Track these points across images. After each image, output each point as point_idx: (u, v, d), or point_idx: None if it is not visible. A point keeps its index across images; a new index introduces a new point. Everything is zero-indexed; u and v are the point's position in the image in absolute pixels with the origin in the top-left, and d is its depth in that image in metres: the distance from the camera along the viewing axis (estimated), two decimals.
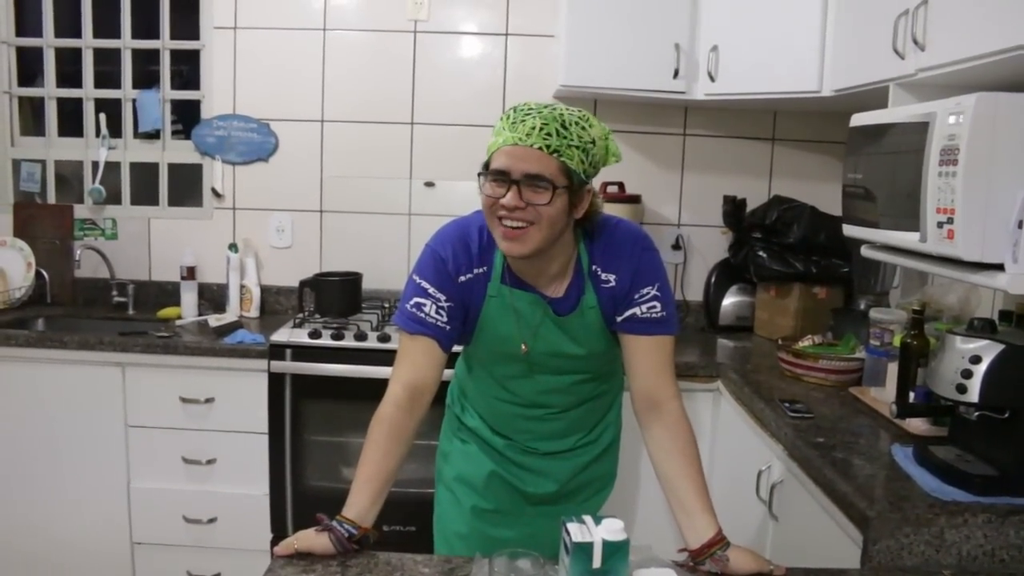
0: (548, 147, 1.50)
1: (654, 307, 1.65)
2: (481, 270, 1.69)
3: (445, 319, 1.66)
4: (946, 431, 1.87)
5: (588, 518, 1.18)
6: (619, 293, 1.66)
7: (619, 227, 1.70)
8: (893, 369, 2.17)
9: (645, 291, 1.65)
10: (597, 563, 1.12)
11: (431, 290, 1.67)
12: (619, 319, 1.67)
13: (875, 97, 2.25)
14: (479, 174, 1.58)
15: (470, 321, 1.72)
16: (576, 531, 1.15)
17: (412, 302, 1.68)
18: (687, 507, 1.51)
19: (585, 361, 1.76)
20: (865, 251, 2.15)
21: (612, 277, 1.66)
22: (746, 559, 1.41)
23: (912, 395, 2.03)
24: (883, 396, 2.21)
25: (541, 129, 1.50)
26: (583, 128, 1.54)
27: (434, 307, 1.66)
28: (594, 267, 1.67)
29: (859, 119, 2.12)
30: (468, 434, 1.94)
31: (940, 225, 1.67)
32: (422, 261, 1.71)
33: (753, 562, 1.41)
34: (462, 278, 1.68)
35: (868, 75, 2.29)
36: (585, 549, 1.12)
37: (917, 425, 2.00)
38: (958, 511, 1.53)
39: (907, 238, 1.82)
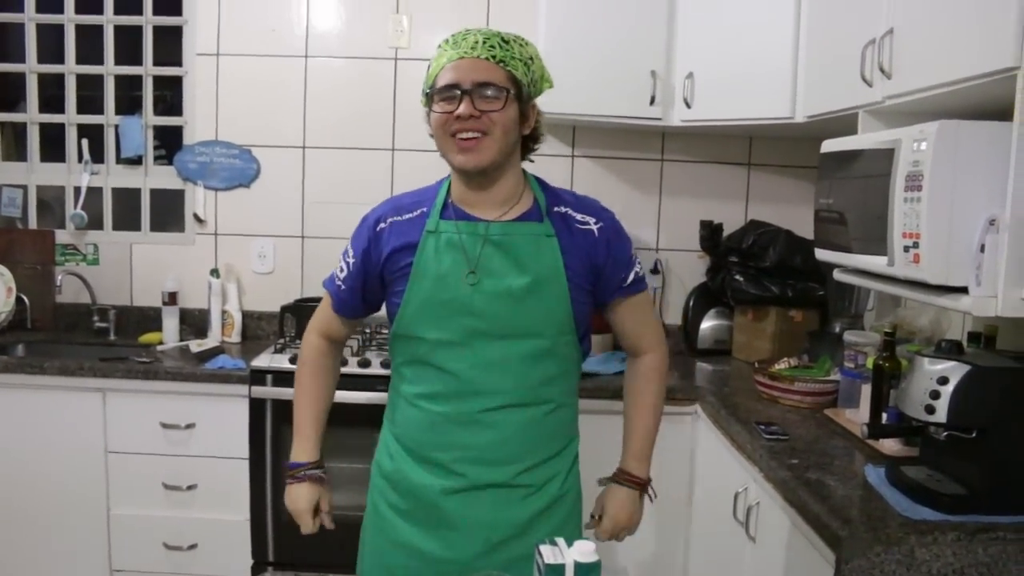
0: (494, 57, 1.56)
1: (637, 270, 1.76)
2: (415, 213, 1.69)
3: (341, 280, 1.76)
4: (918, 451, 1.90)
5: (560, 541, 1.20)
6: (599, 248, 1.68)
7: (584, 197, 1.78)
8: (867, 391, 2.19)
9: (625, 256, 1.74)
10: None
11: (348, 247, 1.76)
12: (607, 289, 1.73)
13: (846, 123, 2.29)
14: (426, 96, 1.63)
15: (405, 270, 1.65)
16: (548, 553, 1.17)
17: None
18: (625, 442, 1.85)
19: (535, 311, 1.63)
20: (837, 275, 2.18)
21: (591, 220, 1.69)
22: (614, 503, 1.81)
23: (885, 416, 2.05)
24: (857, 417, 2.24)
25: (485, 42, 1.56)
26: (522, 45, 1.61)
27: (342, 265, 1.76)
28: (562, 208, 1.69)
29: (829, 145, 2.16)
30: (381, 489, 1.82)
31: (907, 249, 1.71)
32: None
33: (614, 507, 1.80)
34: (382, 225, 1.69)
35: (838, 102, 2.34)
36: (557, 571, 1.14)
37: (890, 445, 2.02)
38: (928, 530, 1.55)
39: (876, 262, 1.86)
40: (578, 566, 1.14)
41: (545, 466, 1.72)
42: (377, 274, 1.71)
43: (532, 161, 1.73)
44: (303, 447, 1.82)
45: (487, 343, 1.63)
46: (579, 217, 1.69)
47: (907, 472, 1.77)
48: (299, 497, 1.81)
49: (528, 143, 1.70)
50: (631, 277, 1.74)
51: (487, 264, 1.62)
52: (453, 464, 1.67)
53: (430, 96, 1.61)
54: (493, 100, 1.55)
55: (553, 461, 1.74)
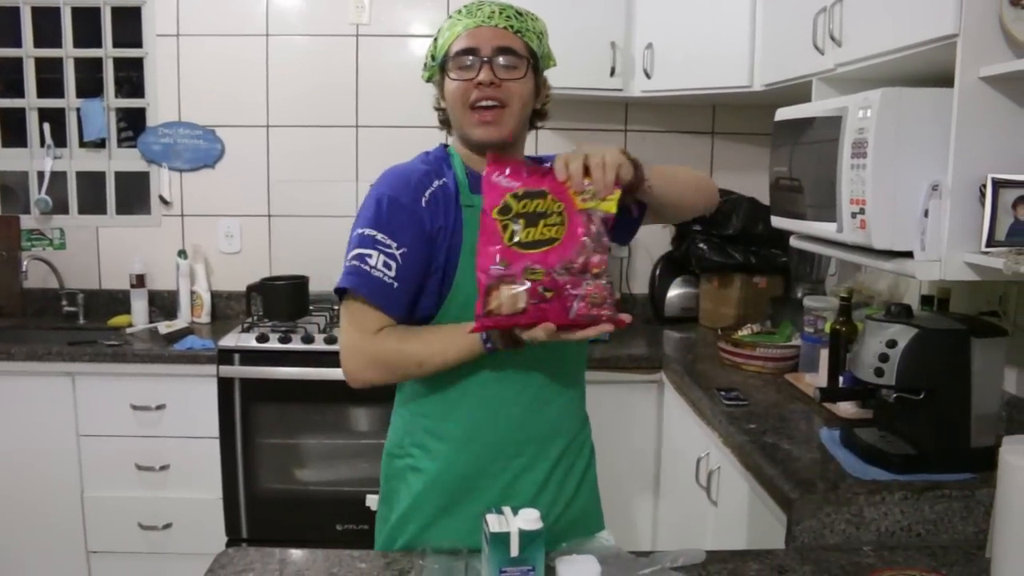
0: (512, 27, 1.52)
1: None
2: (442, 181, 1.54)
3: (393, 274, 1.47)
4: (871, 412, 1.93)
5: (507, 509, 1.22)
6: None
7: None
8: (825, 355, 2.23)
9: None
10: (515, 552, 1.16)
11: (378, 236, 1.48)
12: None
13: (803, 91, 2.32)
14: (435, 68, 1.56)
15: (450, 254, 1.52)
16: (494, 522, 1.19)
17: (354, 253, 1.49)
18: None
19: None
20: (793, 241, 2.21)
21: None
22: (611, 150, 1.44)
23: (841, 380, 2.09)
24: (817, 382, 2.27)
25: (501, 12, 1.53)
26: (534, 19, 1.59)
27: (381, 258, 1.47)
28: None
29: (782, 113, 2.19)
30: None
31: (854, 215, 1.74)
32: (365, 209, 1.53)
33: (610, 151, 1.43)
34: (424, 199, 1.50)
35: (793, 70, 2.36)
36: (503, 539, 1.16)
37: (846, 408, 2.06)
38: (877, 489, 1.59)
39: (826, 228, 1.89)
40: (523, 533, 1.16)
41: (578, 438, 1.71)
42: (428, 259, 1.51)
43: None
44: (464, 335, 1.46)
45: None
46: None
47: (860, 434, 1.80)
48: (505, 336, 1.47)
49: (534, 119, 1.64)
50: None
51: None
52: (511, 445, 1.59)
53: (442, 67, 1.55)
54: (513, 69, 1.50)
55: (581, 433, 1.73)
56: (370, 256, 1.47)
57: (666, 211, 1.72)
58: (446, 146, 1.63)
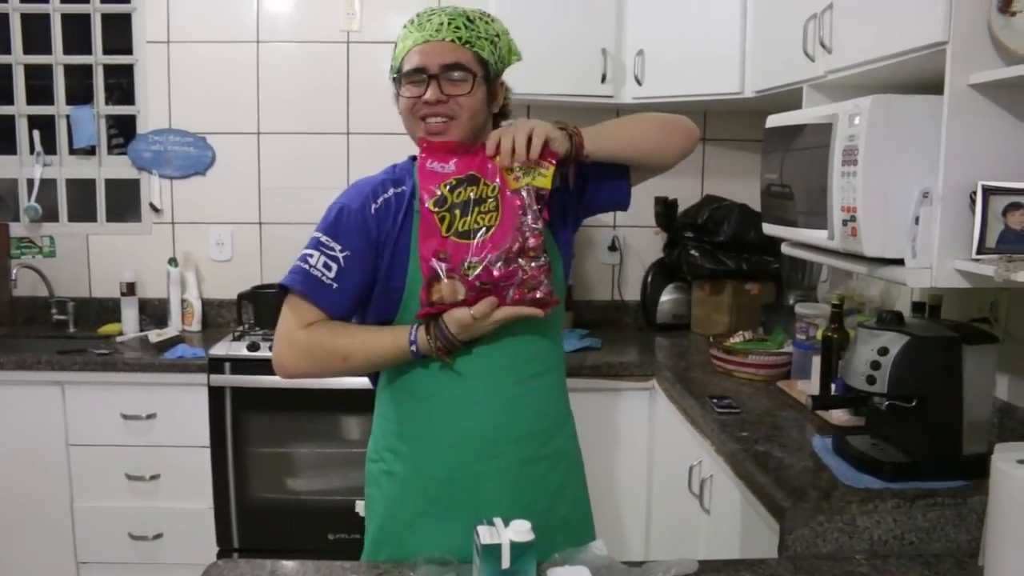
0: (460, 39, 1.54)
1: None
2: (399, 189, 1.58)
3: (332, 275, 1.52)
4: (863, 420, 1.93)
5: (498, 520, 1.22)
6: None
7: None
8: (817, 362, 2.23)
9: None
10: (506, 564, 1.16)
11: (323, 238, 1.54)
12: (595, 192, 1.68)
13: (794, 97, 2.32)
14: (394, 81, 1.59)
15: (396, 261, 1.55)
16: (485, 534, 1.18)
17: (300, 254, 1.55)
18: None
19: None
20: (785, 248, 2.21)
21: None
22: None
23: (833, 387, 2.09)
24: (809, 389, 2.27)
25: (450, 24, 1.54)
26: (487, 22, 1.59)
27: (322, 259, 1.52)
28: None
29: (773, 120, 2.19)
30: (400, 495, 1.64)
31: (845, 223, 1.74)
32: (324, 216, 1.58)
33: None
34: (374, 206, 1.55)
35: (783, 77, 2.37)
36: (494, 551, 1.16)
37: (838, 416, 2.06)
38: (869, 498, 1.58)
39: (817, 236, 1.89)
40: (514, 545, 1.16)
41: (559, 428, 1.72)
42: (374, 263, 1.56)
43: None
44: (394, 332, 1.55)
45: None
46: None
47: (852, 442, 1.80)
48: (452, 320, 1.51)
49: (498, 120, 1.67)
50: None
51: None
52: (494, 445, 1.60)
53: (398, 79, 1.59)
54: (460, 83, 1.53)
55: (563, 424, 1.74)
56: (311, 256, 1.52)
57: (633, 166, 1.69)
58: (414, 158, 1.64)
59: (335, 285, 1.52)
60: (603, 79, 2.94)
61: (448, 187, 1.50)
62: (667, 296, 3.24)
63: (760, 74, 2.59)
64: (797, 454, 1.86)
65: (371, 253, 1.55)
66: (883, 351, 1.67)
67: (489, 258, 1.46)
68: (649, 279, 3.29)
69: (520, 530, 1.17)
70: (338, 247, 1.53)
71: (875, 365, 1.67)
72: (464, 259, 1.47)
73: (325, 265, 1.52)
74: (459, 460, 1.59)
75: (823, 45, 2.04)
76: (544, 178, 1.51)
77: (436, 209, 1.49)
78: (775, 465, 1.79)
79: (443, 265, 1.47)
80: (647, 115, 1.71)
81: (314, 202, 3.36)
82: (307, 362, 1.57)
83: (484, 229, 1.48)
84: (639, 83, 2.94)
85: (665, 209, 3.17)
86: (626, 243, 3.42)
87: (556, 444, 1.69)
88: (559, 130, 1.54)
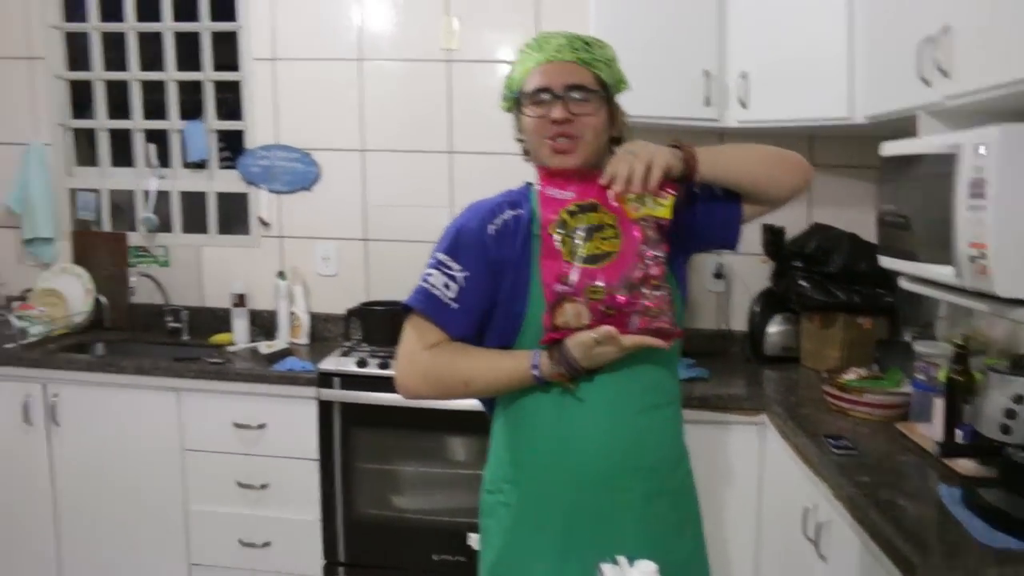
0: (581, 60, 1.56)
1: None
2: (517, 212, 1.60)
3: (452, 295, 1.55)
4: (996, 471, 1.86)
5: (622, 559, 1.20)
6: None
7: None
8: (940, 405, 2.15)
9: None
10: None
11: (442, 258, 1.57)
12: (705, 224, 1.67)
13: (907, 123, 2.22)
14: (512, 101, 1.62)
15: (517, 284, 1.56)
16: (610, 572, 1.18)
17: (422, 275, 1.59)
18: None
19: None
20: (903, 283, 2.13)
21: None
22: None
23: (959, 433, 2.03)
24: (930, 432, 2.20)
25: (569, 45, 1.57)
26: (601, 47, 1.62)
27: (442, 278, 1.55)
28: None
29: (889, 149, 2.10)
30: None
31: (972, 259, 1.65)
32: (442, 237, 1.62)
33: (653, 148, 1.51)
34: (491, 227, 1.57)
35: (896, 102, 2.27)
36: None
37: (966, 465, 1.98)
38: (1009, 560, 1.52)
39: (941, 272, 1.80)
40: None
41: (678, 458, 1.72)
42: (493, 284, 1.58)
43: None
44: (515, 357, 1.56)
45: None
46: None
47: (985, 495, 1.73)
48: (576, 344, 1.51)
49: (611, 145, 1.67)
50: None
51: None
52: (618, 477, 1.60)
53: (518, 101, 1.61)
54: (584, 103, 1.55)
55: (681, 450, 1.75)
56: (432, 275, 1.56)
57: (745, 193, 1.68)
58: (530, 184, 1.68)
59: (455, 305, 1.55)
60: (707, 102, 2.89)
61: (568, 212, 1.51)
62: (775, 327, 3.16)
63: (871, 99, 2.51)
64: (922, 503, 1.80)
65: (489, 273, 1.57)
66: (1019, 399, 1.62)
67: (613, 284, 1.46)
68: (756, 309, 3.22)
69: (646, 571, 1.16)
70: (457, 267, 1.56)
71: (1010, 413, 1.62)
72: (588, 284, 1.47)
73: (445, 285, 1.55)
74: (580, 491, 1.59)
75: (940, 69, 1.95)
76: (664, 208, 1.52)
77: (557, 233, 1.50)
78: (899, 514, 1.73)
79: (567, 289, 1.47)
80: (762, 145, 1.71)
81: (418, 220, 3.47)
82: (428, 385, 1.60)
83: (607, 255, 1.49)
84: (744, 106, 2.88)
85: (772, 237, 3.12)
86: (732, 271, 3.38)
87: (678, 479, 1.69)
88: (674, 149, 1.54)
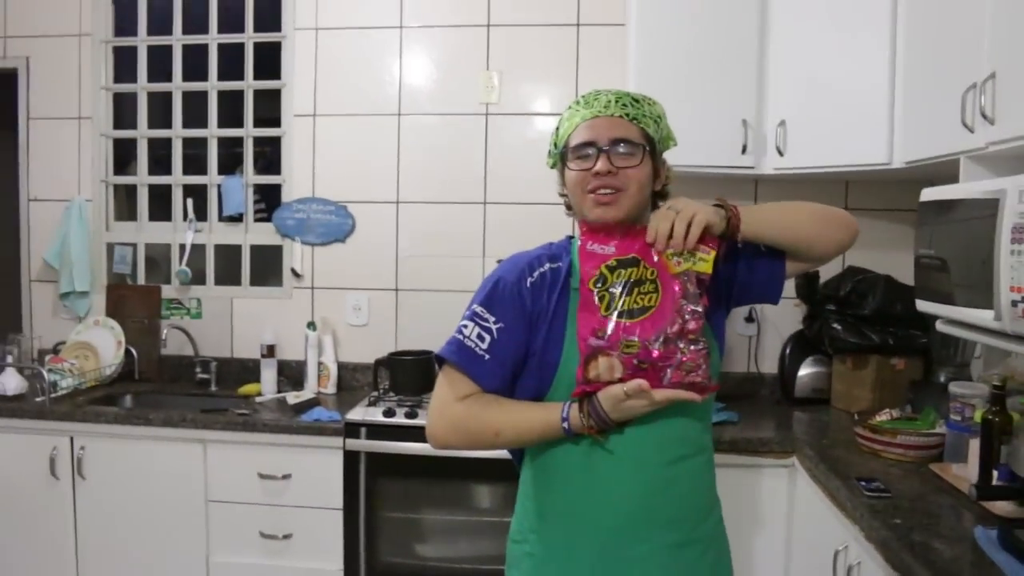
0: (627, 115, 1.56)
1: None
2: (556, 265, 1.60)
3: (485, 346, 1.54)
4: None
5: None
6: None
7: None
8: (975, 446, 2.09)
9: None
10: None
11: (478, 310, 1.57)
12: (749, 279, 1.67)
13: (948, 167, 2.23)
14: (557, 156, 1.62)
15: (551, 337, 1.55)
16: None
17: (457, 326, 1.58)
18: None
19: None
20: (940, 326, 2.10)
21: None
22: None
23: (996, 474, 1.95)
24: (965, 473, 2.13)
25: (617, 101, 1.57)
26: (650, 104, 1.62)
27: (476, 330, 1.55)
28: None
29: (929, 194, 2.09)
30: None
31: (1015, 304, 1.63)
32: (480, 288, 1.62)
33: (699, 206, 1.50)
34: (529, 279, 1.57)
35: (938, 148, 2.27)
36: None
37: (1003, 506, 1.92)
38: None
39: (982, 316, 1.78)
40: None
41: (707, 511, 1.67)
42: (527, 336, 1.57)
43: None
44: (546, 409, 1.55)
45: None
46: None
47: (1022, 536, 1.67)
48: (607, 397, 1.49)
49: (656, 199, 1.66)
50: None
51: None
52: (642, 528, 1.57)
53: (563, 155, 1.61)
54: (629, 156, 1.55)
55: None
56: (466, 327, 1.56)
57: (789, 252, 1.66)
58: (571, 237, 1.67)
59: (487, 356, 1.54)
60: (744, 150, 2.90)
61: (608, 268, 1.52)
62: (806, 369, 3.12)
63: (910, 144, 2.49)
64: (958, 545, 1.73)
65: (524, 326, 1.57)
66: None
67: (648, 338, 1.46)
68: (787, 351, 3.18)
69: None
70: (492, 319, 1.55)
71: None
72: (622, 338, 1.47)
73: (479, 336, 1.55)
74: (605, 542, 1.56)
75: (984, 116, 1.95)
76: (705, 263, 1.51)
77: (596, 288, 1.51)
78: (934, 556, 1.67)
79: (601, 343, 1.47)
80: (807, 203, 1.70)
81: (450, 270, 3.48)
82: (459, 436, 1.59)
83: (645, 309, 1.49)
84: (780, 154, 2.89)
85: (805, 281, 3.07)
86: (763, 314, 3.33)
87: (706, 529, 1.64)
88: (717, 207, 1.53)
